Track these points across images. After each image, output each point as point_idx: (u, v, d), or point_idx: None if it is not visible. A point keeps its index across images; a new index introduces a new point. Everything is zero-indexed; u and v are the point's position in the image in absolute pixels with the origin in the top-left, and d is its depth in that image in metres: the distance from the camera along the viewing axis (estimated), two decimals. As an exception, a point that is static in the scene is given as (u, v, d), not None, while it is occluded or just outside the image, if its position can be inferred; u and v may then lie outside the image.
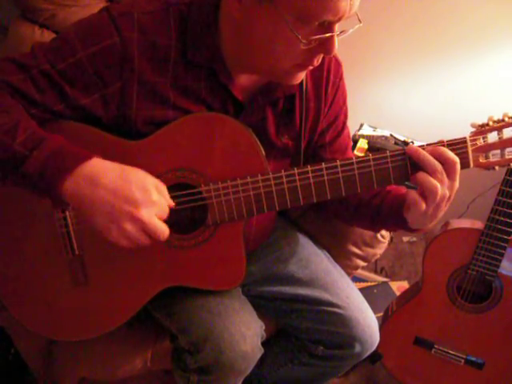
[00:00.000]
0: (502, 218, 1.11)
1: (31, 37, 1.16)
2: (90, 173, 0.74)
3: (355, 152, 1.53)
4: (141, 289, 0.91)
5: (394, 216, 0.93)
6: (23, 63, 0.80)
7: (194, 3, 0.82)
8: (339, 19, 0.72)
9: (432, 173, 0.80)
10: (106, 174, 0.74)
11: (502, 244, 1.14)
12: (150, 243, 0.77)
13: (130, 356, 1.10)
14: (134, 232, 0.74)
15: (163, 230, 0.76)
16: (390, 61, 1.85)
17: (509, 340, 1.24)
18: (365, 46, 1.69)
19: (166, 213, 0.78)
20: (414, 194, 0.82)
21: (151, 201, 0.75)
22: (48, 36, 1.16)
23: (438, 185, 0.79)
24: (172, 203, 0.79)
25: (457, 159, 0.80)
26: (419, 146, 0.83)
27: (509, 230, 1.12)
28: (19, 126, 0.75)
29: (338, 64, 0.97)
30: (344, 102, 1.01)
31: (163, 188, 0.79)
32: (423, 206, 0.81)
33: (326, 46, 0.75)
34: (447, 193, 0.81)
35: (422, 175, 0.80)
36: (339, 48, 0.87)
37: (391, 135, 1.63)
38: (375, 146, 1.56)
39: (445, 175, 0.80)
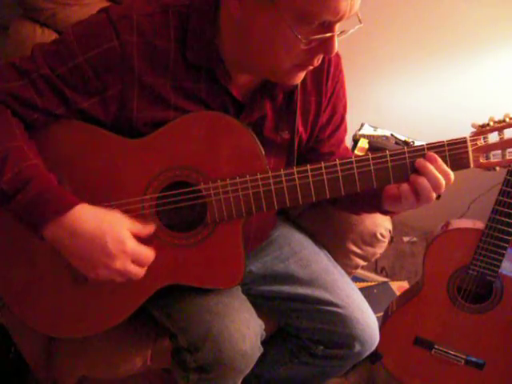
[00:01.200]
0: (503, 219, 1.11)
1: (32, 36, 1.16)
2: (70, 223, 0.77)
3: (356, 152, 1.53)
4: (140, 287, 0.91)
5: (371, 197, 0.95)
6: (24, 68, 0.80)
7: (193, 4, 0.82)
8: (340, 19, 0.72)
9: (435, 188, 0.82)
10: (84, 225, 0.78)
11: (503, 244, 1.14)
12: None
13: (130, 354, 1.10)
14: (110, 275, 0.81)
15: (137, 275, 0.82)
16: (391, 61, 1.85)
17: (509, 340, 1.24)
18: (365, 45, 1.69)
19: (143, 258, 0.82)
20: (409, 193, 0.84)
21: (124, 252, 0.79)
22: (49, 35, 1.16)
23: (435, 195, 0.83)
24: (147, 252, 0.83)
25: (452, 176, 0.83)
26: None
27: (510, 230, 1.12)
28: (8, 160, 0.76)
29: (338, 57, 0.97)
30: (343, 95, 1.01)
31: (140, 228, 0.83)
32: (415, 203, 0.85)
33: (327, 46, 0.75)
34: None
35: (424, 183, 0.82)
36: (340, 47, 0.87)
37: (392, 135, 1.63)
38: (376, 145, 1.56)
39: (444, 188, 0.83)
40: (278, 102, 0.92)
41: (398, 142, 1.60)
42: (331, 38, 0.74)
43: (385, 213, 0.97)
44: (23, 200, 0.75)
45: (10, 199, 0.76)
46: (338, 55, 0.97)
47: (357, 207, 1.03)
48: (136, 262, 0.81)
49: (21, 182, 0.76)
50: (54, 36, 1.15)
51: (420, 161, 0.83)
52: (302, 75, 0.83)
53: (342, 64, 0.98)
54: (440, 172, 0.82)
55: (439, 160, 0.82)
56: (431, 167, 0.82)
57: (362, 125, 1.68)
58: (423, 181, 0.82)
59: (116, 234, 0.79)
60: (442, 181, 0.82)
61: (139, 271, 0.82)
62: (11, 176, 0.75)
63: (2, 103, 0.79)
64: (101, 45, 0.79)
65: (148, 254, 0.83)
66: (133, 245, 0.81)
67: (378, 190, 0.91)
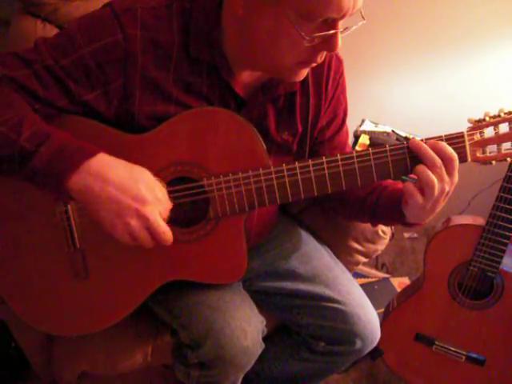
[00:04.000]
0: (504, 215, 1.11)
1: (33, 31, 1.15)
2: (98, 168, 0.75)
3: (356, 148, 1.53)
4: (142, 283, 0.91)
5: (391, 211, 0.94)
6: (27, 58, 0.80)
7: None
8: (343, 16, 0.71)
9: (431, 167, 0.80)
10: (113, 170, 0.75)
11: (504, 240, 1.13)
12: (151, 245, 0.79)
13: (131, 350, 1.10)
14: (138, 229, 0.76)
15: (166, 230, 0.78)
16: (392, 57, 1.85)
17: (510, 337, 1.24)
18: (367, 42, 1.69)
19: (167, 211, 0.80)
20: (410, 187, 0.83)
21: (157, 198, 0.77)
22: (50, 30, 1.16)
23: (435, 179, 0.80)
24: (171, 204, 0.81)
25: (455, 155, 0.80)
26: (420, 140, 0.83)
27: (510, 226, 1.12)
28: (25, 121, 0.75)
29: (339, 61, 0.97)
30: (344, 100, 1.01)
31: (164, 189, 0.81)
32: (420, 199, 0.82)
33: (330, 43, 0.74)
34: (446, 188, 0.81)
35: (420, 168, 0.81)
36: (342, 44, 0.87)
37: (393, 131, 1.63)
38: (377, 141, 1.56)
39: (444, 170, 0.80)
40: (280, 104, 0.92)
41: (398, 138, 1.60)
42: (335, 35, 0.73)
43: (408, 225, 0.94)
44: (47, 151, 0.74)
45: (32, 155, 0.74)
46: (339, 59, 0.97)
47: (376, 220, 1.03)
48: (162, 215, 0.78)
49: (41, 137, 0.74)
50: (55, 31, 1.14)
51: (414, 140, 0.82)
52: (305, 72, 0.83)
53: (343, 69, 0.98)
54: (435, 149, 0.80)
55: (435, 141, 0.81)
56: (424, 146, 0.81)
57: (363, 121, 1.68)
58: (419, 166, 0.81)
59: (148, 181, 0.78)
60: (436, 158, 0.80)
61: (167, 228, 0.78)
62: (30, 133, 0.74)
63: (6, 85, 0.79)
64: (104, 38, 0.79)
65: (169, 206, 0.80)
66: (163, 195, 0.79)
67: (397, 204, 0.90)
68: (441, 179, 0.80)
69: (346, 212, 1.07)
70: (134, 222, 0.75)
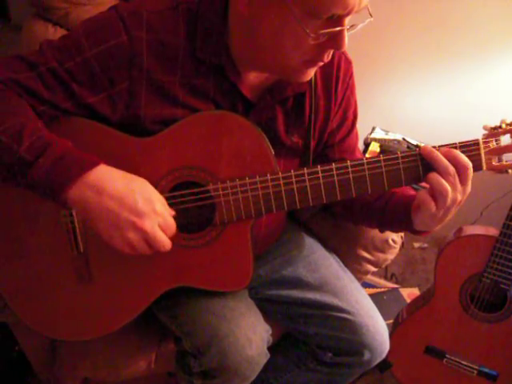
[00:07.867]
0: (518, 226, 1.09)
1: (45, 35, 1.17)
2: (96, 181, 0.75)
3: (367, 155, 1.52)
4: (146, 288, 0.90)
5: (399, 217, 0.93)
6: (32, 61, 0.80)
7: (202, 1, 0.82)
8: (349, 13, 0.70)
9: (444, 175, 0.79)
10: (111, 183, 0.75)
11: (518, 252, 1.11)
12: (151, 253, 0.79)
13: (134, 357, 1.09)
14: (137, 241, 0.76)
15: (164, 241, 0.78)
16: (403, 64, 1.85)
17: (523, 351, 1.21)
18: (378, 49, 1.70)
19: (169, 225, 0.80)
20: (424, 195, 0.81)
21: (155, 211, 0.77)
22: (61, 34, 1.16)
23: (449, 187, 0.78)
24: (171, 214, 0.81)
25: (469, 164, 0.79)
26: (432, 147, 0.82)
27: (525, 237, 1.09)
28: (25, 130, 0.75)
29: (348, 62, 0.96)
30: (354, 101, 1.00)
31: (163, 200, 0.81)
32: (433, 207, 0.81)
33: (336, 40, 0.73)
34: (458, 197, 0.80)
35: (433, 176, 0.79)
36: (352, 51, 0.86)
37: (404, 139, 1.62)
38: (387, 149, 1.55)
39: (457, 179, 0.79)
40: (288, 106, 0.91)
41: (409, 145, 1.59)
42: (341, 33, 0.72)
43: (415, 232, 0.93)
44: (46, 163, 0.73)
45: (31, 165, 0.73)
46: (348, 61, 0.96)
47: (384, 226, 1.02)
48: (163, 226, 0.78)
49: (40, 147, 0.74)
50: (63, 35, 1.15)
51: (426, 147, 0.80)
52: (312, 72, 0.82)
53: (352, 70, 0.97)
54: (448, 157, 0.79)
55: (449, 149, 0.80)
56: (437, 153, 0.79)
57: (374, 128, 1.67)
58: (432, 173, 0.79)
59: (146, 193, 0.77)
60: (450, 166, 0.78)
61: (167, 240, 0.79)
62: (30, 143, 0.74)
63: (10, 89, 0.79)
64: (109, 40, 0.79)
65: (172, 222, 0.80)
66: (162, 206, 0.79)
67: (406, 210, 0.89)
68: (454, 188, 0.79)
69: (354, 217, 1.06)
70: (132, 235, 0.76)
